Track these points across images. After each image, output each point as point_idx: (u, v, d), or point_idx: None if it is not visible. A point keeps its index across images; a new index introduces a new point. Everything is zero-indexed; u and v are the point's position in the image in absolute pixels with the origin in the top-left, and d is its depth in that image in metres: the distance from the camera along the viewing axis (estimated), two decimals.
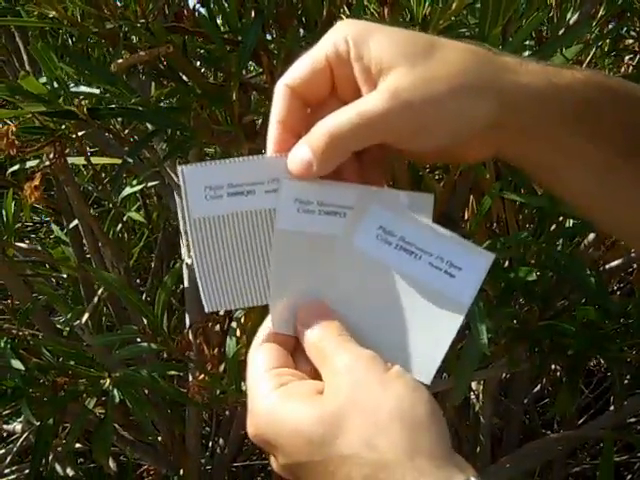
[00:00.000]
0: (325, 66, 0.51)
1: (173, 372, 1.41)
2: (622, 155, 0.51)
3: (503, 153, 0.51)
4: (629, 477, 1.97)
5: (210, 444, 1.82)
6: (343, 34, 0.50)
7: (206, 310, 0.55)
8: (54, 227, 1.64)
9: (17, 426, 1.56)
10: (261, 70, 1.13)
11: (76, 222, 1.45)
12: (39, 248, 1.61)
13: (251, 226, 0.53)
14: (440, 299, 0.52)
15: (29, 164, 1.25)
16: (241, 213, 0.53)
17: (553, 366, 1.63)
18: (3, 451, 1.57)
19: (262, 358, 0.52)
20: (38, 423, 1.23)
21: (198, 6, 1.14)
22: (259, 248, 0.54)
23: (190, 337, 1.29)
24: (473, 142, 0.50)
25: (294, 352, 0.54)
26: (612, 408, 1.78)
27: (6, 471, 1.57)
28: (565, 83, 0.50)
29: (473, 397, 1.63)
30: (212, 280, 0.54)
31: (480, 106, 0.48)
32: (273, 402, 0.49)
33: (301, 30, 1.10)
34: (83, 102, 1.09)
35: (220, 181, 0.52)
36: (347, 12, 1.21)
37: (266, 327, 0.54)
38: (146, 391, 1.35)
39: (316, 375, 0.51)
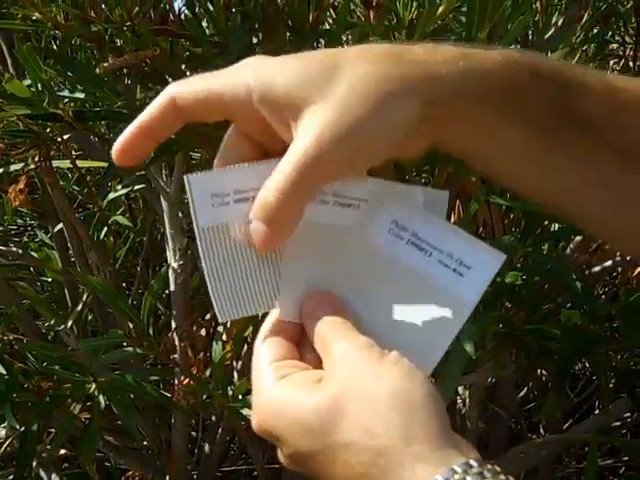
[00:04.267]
0: (219, 107, 0.50)
1: (159, 377, 1.40)
2: (550, 133, 0.50)
3: (437, 144, 0.51)
4: None
5: (196, 449, 1.81)
6: (243, 80, 0.49)
7: (220, 320, 0.54)
8: (38, 232, 1.64)
9: (1, 431, 1.55)
10: None
11: (61, 226, 1.45)
12: (21, 252, 1.59)
13: None
14: (446, 297, 0.52)
15: (13, 167, 1.25)
16: (248, 219, 0.52)
17: (539, 370, 1.63)
18: None
19: (265, 351, 0.52)
20: (22, 428, 1.22)
21: (184, 9, 1.14)
22: (268, 253, 0.53)
23: (175, 341, 1.29)
24: (406, 142, 0.49)
25: (300, 341, 0.54)
26: (597, 412, 1.79)
27: None
28: (485, 67, 0.49)
29: (459, 401, 1.64)
30: (224, 289, 0.53)
31: (404, 110, 0.47)
32: (274, 394, 0.50)
33: (287, 33, 1.10)
34: (68, 105, 1.08)
35: (226, 188, 0.51)
36: (333, 15, 1.22)
37: (270, 320, 0.54)
38: (132, 396, 1.35)
39: (322, 363, 0.51)
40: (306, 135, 0.47)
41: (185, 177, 0.51)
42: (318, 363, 0.51)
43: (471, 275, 0.52)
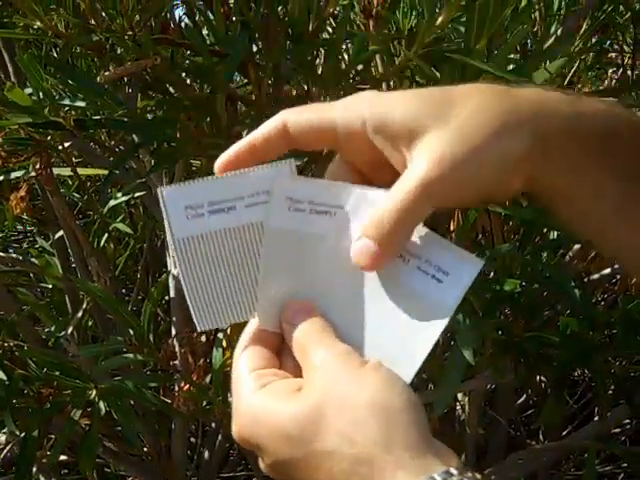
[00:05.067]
0: (331, 136, 0.51)
1: (159, 383, 1.41)
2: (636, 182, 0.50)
3: (530, 185, 0.51)
4: None
5: (196, 455, 1.81)
6: (358, 111, 0.50)
7: (198, 330, 0.55)
8: (38, 238, 1.64)
9: (1, 437, 1.55)
10: (246, 81, 1.13)
11: (61, 232, 1.45)
12: (21, 258, 1.60)
13: (234, 242, 0.53)
14: (425, 303, 0.52)
15: (14, 175, 1.25)
16: (223, 230, 0.53)
17: (538, 377, 1.64)
18: None
19: (245, 360, 0.53)
20: (22, 434, 1.22)
21: (184, 17, 1.15)
22: (245, 263, 0.54)
23: (175, 347, 1.29)
24: (506, 179, 0.50)
25: (280, 349, 0.54)
26: (596, 419, 1.79)
27: None
28: (588, 112, 0.50)
29: (459, 408, 1.64)
30: (202, 299, 0.54)
31: (516, 144, 0.48)
32: (254, 403, 0.50)
33: (287, 43, 1.10)
34: (69, 113, 1.09)
35: (200, 200, 0.52)
36: (333, 24, 1.22)
37: (250, 329, 0.55)
38: (132, 402, 1.35)
39: (301, 371, 0.52)
40: (425, 159, 0.48)
41: (159, 190, 0.52)
42: (298, 371, 0.52)
43: (449, 281, 0.51)
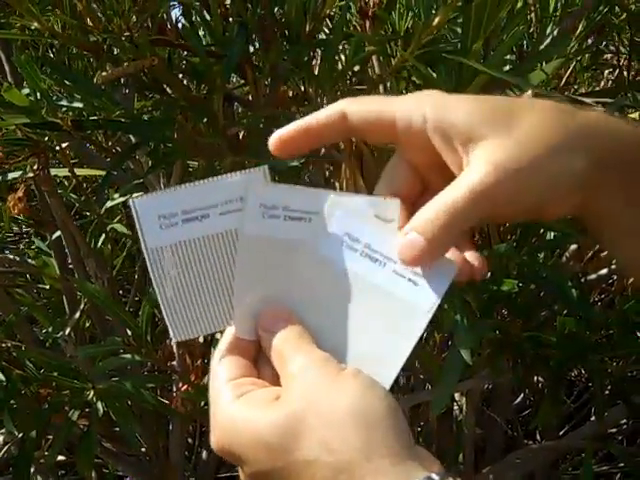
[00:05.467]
0: (389, 130, 0.51)
1: (157, 384, 1.41)
2: None
3: (581, 208, 0.51)
4: None
5: (194, 456, 1.81)
6: (420, 107, 0.50)
7: (174, 340, 0.54)
8: (35, 239, 1.64)
9: None
10: (243, 82, 1.14)
11: (59, 233, 1.45)
12: (18, 259, 1.60)
13: (209, 250, 0.53)
14: (403, 307, 0.52)
15: (11, 175, 1.25)
16: (197, 238, 0.53)
17: (535, 377, 1.64)
18: None
19: (222, 370, 0.53)
20: (21, 435, 1.22)
21: (181, 18, 1.15)
22: (219, 271, 0.54)
23: (173, 348, 1.29)
24: (560, 194, 0.49)
25: (257, 358, 0.54)
26: (593, 419, 1.79)
27: None
28: None
29: (456, 408, 1.64)
30: (177, 309, 0.53)
31: (573, 165, 0.48)
32: (232, 413, 0.50)
33: (284, 44, 1.11)
34: (66, 114, 1.09)
35: (173, 209, 0.52)
36: (330, 25, 1.22)
37: (227, 339, 0.55)
38: (130, 403, 1.35)
39: (279, 379, 0.52)
40: (482, 164, 0.48)
41: (130, 201, 0.51)
42: (276, 379, 0.52)
43: (426, 284, 0.52)
